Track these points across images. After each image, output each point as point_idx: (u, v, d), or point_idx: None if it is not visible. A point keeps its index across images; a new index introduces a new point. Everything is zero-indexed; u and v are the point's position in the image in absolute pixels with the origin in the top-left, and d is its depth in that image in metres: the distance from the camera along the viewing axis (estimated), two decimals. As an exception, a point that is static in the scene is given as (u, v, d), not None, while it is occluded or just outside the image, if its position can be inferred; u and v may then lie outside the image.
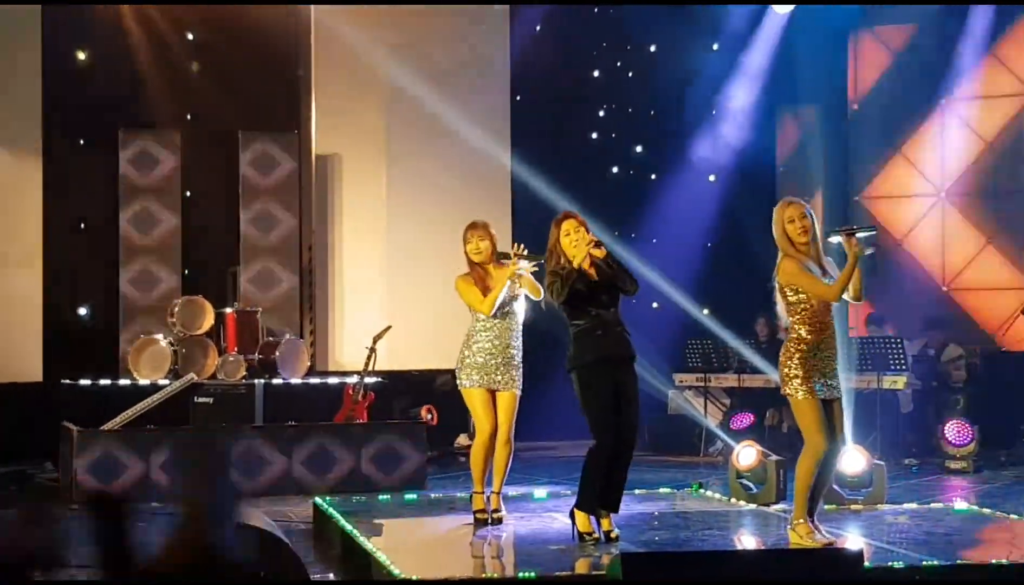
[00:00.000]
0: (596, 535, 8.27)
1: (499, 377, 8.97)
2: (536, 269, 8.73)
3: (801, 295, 8.07)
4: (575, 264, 8.27)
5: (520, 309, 9.12)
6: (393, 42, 14.31)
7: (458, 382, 9.13)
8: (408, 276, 14.08)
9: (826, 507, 9.61)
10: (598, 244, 8.32)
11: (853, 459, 9.98)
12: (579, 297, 8.31)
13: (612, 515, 8.39)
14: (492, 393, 9.01)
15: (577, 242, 8.28)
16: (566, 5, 15.56)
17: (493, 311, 8.93)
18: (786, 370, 8.05)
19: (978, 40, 15.40)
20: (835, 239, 8.27)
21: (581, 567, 7.85)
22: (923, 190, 15.81)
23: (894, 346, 13.18)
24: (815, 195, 16.34)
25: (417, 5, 14.43)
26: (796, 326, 8.09)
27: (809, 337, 8.04)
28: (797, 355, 8.03)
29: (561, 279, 8.26)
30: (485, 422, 8.99)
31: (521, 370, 9.10)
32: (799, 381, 7.98)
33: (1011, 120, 15.33)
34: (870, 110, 16.20)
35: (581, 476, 8.38)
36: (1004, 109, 15.38)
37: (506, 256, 8.79)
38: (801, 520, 8.09)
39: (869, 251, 8.28)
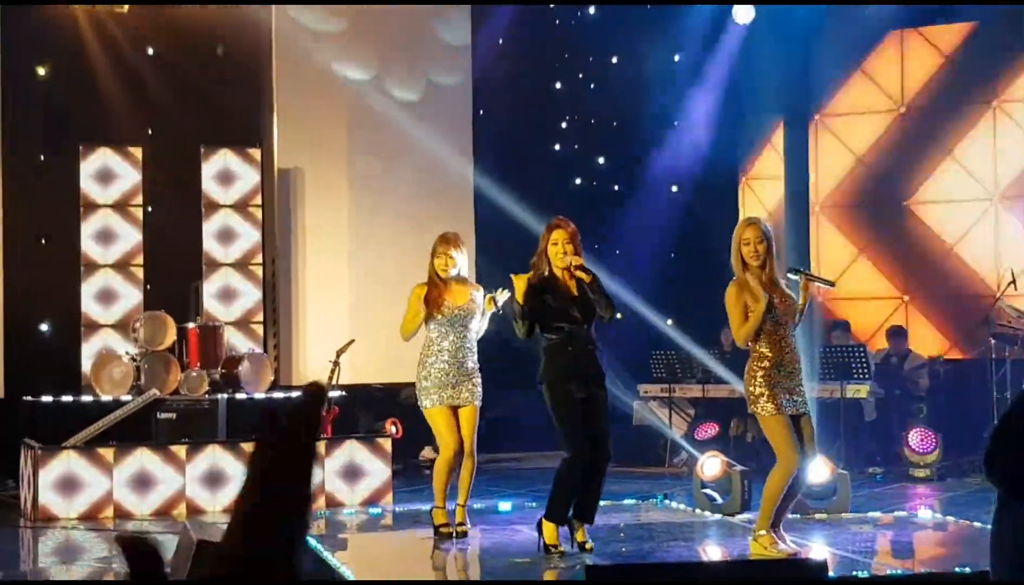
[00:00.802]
0: (562, 548, 8.27)
1: (458, 393, 8.99)
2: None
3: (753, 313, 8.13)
4: (556, 270, 8.33)
5: (475, 324, 9.14)
6: (355, 55, 14.30)
7: (419, 403, 9.14)
8: (371, 289, 14.05)
9: (791, 516, 9.65)
10: (582, 268, 8.33)
11: (817, 469, 9.99)
12: (552, 312, 8.33)
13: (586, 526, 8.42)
14: (454, 409, 9.03)
15: (562, 257, 8.33)
16: (530, 6, 15.56)
17: (440, 326, 9.01)
18: (751, 389, 8.09)
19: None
20: (794, 277, 8.40)
21: (547, 578, 7.86)
22: (886, 199, 15.90)
23: (857, 354, 13.23)
24: (777, 204, 16.41)
25: (380, 16, 14.40)
26: (755, 344, 8.14)
27: (770, 353, 8.09)
28: (760, 373, 8.08)
29: (523, 311, 8.29)
30: (449, 440, 9.02)
31: (479, 380, 9.12)
32: (765, 398, 8.03)
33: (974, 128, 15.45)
34: (832, 118, 16.27)
35: (552, 487, 8.39)
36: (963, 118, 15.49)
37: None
38: (764, 531, 8.12)
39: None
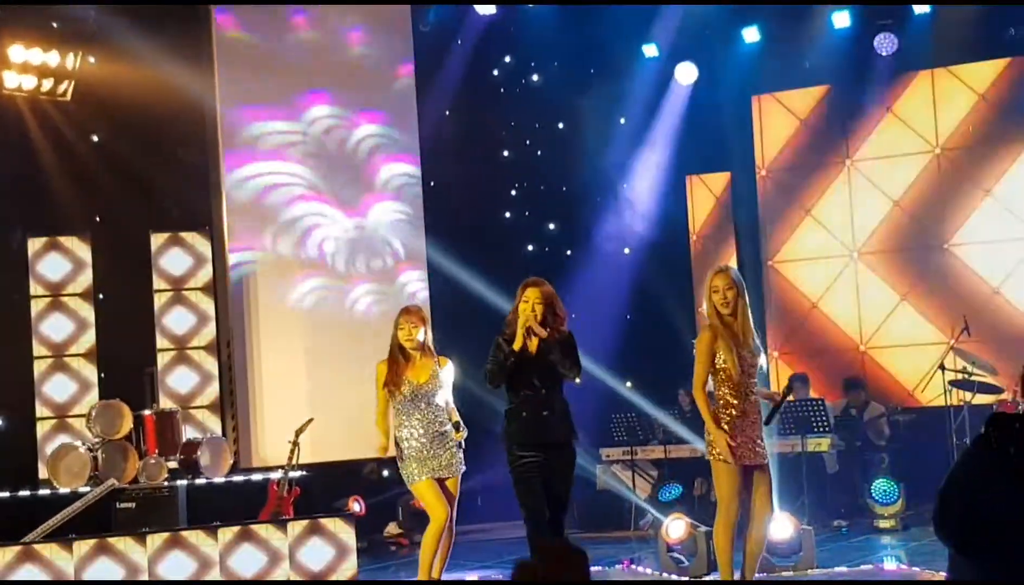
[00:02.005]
0: None
1: (440, 463, 8.93)
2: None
3: (723, 362, 8.13)
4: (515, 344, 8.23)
5: (441, 397, 9.09)
6: (301, 135, 14.31)
7: (405, 479, 9.06)
8: (328, 366, 13.99)
9: (757, 576, 9.61)
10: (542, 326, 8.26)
11: (780, 525, 9.99)
12: (511, 375, 8.27)
13: None
14: (440, 480, 8.97)
15: (528, 316, 8.26)
16: (475, 76, 15.67)
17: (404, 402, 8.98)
18: (712, 436, 8.08)
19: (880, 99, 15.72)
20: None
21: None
22: (835, 251, 16.00)
23: (816, 408, 13.26)
24: (730, 261, 16.49)
25: (319, 89, 14.43)
26: (721, 391, 8.15)
27: (735, 402, 8.11)
28: (725, 419, 8.08)
29: (499, 363, 8.25)
30: (440, 511, 8.90)
31: (458, 448, 9.06)
32: (723, 445, 8.03)
33: (917, 177, 15.57)
34: (778, 174, 16.40)
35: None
36: (908, 167, 15.62)
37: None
38: None
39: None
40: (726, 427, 8.08)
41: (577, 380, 8.40)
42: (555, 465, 8.27)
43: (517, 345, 8.19)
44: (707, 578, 10.06)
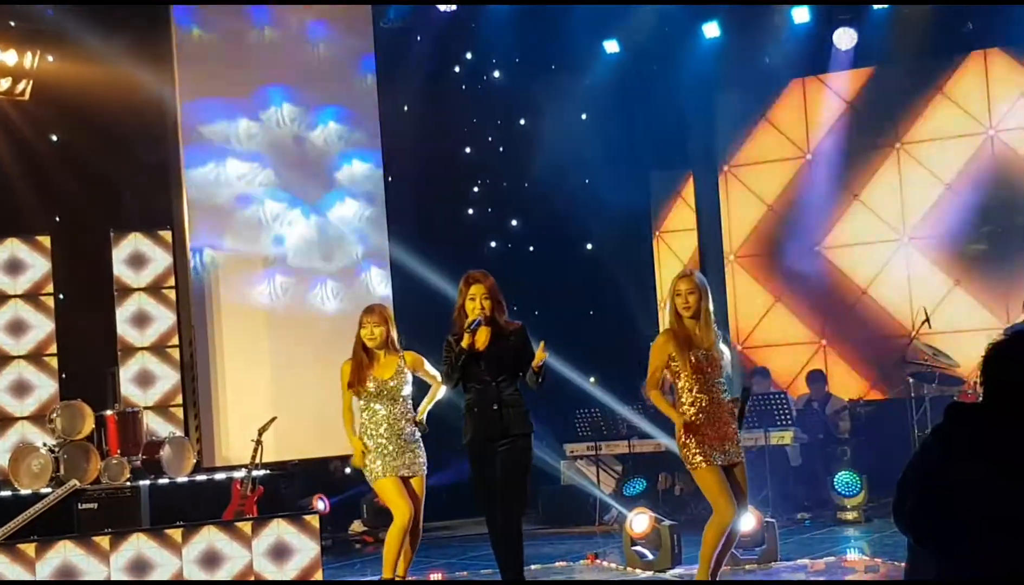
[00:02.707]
0: None
1: (403, 462, 8.91)
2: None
3: (676, 366, 8.16)
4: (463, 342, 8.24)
5: (407, 392, 9.08)
6: (262, 133, 14.26)
7: (368, 476, 9.04)
8: (292, 364, 13.95)
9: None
10: (480, 324, 8.26)
11: (744, 519, 10.00)
12: (465, 371, 8.29)
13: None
14: (403, 479, 8.95)
15: (472, 311, 8.26)
16: (435, 73, 15.66)
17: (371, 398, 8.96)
18: (682, 441, 8.10)
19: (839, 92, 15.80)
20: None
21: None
22: (797, 246, 16.06)
23: (779, 401, 13.31)
24: (692, 256, 16.56)
25: (280, 86, 14.39)
26: (682, 395, 8.16)
27: (694, 405, 8.10)
28: (682, 424, 8.09)
29: (451, 363, 8.27)
30: (403, 508, 8.86)
31: (421, 447, 9.05)
32: (693, 451, 8.04)
33: (879, 171, 15.66)
34: (740, 169, 16.45)
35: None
36: (871, 161, 15.70)
37: None
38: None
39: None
40: (694, 428, 8.11)
41: (532, 384, 8.31)
42: (508, 458, 8.20)
43: (465, 343, 8.18)
44: (672, 572, 10.09)
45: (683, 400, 8.13)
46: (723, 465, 8.12)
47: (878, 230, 15.65)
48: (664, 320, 8.43)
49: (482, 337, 8.26)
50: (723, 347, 8.29)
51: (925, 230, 15.43)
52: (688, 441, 8.06)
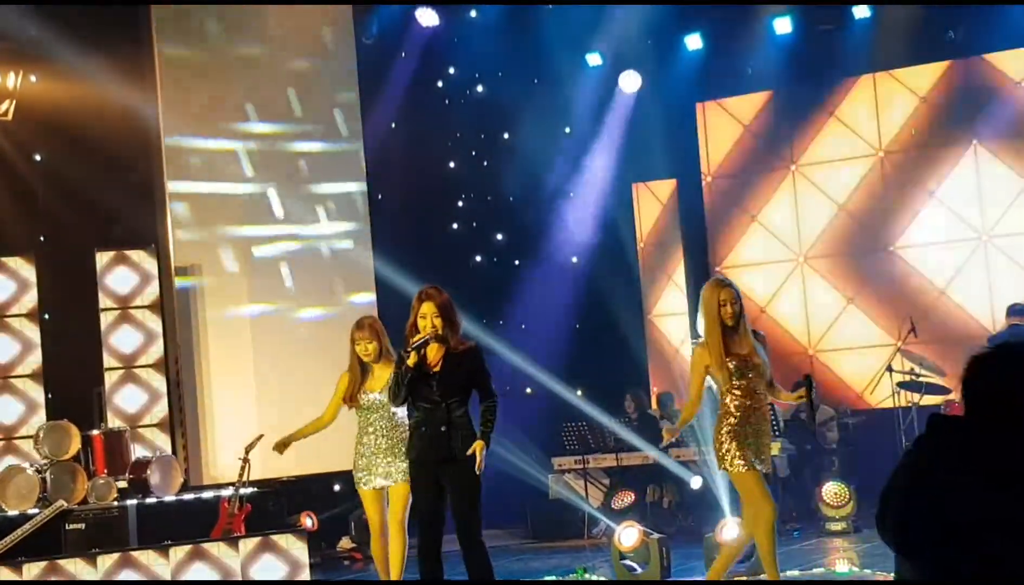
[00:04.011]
0: None
1: (389, 471, 8.97)
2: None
3: (714, 376, 8.27)
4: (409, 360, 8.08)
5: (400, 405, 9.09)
6: (246, 151, 14.26)
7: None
8: (278, 381, 13.94)
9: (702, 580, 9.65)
10: (427, 342, 8.08)
11: (732, 530, 10.01)
12: (413, 390, 8.10)
13: None
14: (384, 490, 9.04)
15: (424, 329, 8.11)
16: (420, 88, 15.68)
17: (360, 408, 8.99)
18: (718, 446, 8.25)
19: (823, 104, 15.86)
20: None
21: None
22: (781, 256, 16.09)
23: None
24: (677, 268, 16.57)
25: (263, 104, 14.39)
26: (724, 401, 8.28)
27: (736, 411, 8.25)
28: (726, 429, 8.26)
29: (397, 381, 8.10)
30: (375, 521, 9.12)
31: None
32: (732, 454, 8.20)
33: (861, 181, 15.69)
34: (723, 180, 16.49)
35: None
36: (852, 171, 15.74)
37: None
38: None
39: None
40: (726, 436, 8.22)
41: (485, 400, 8.06)
42: (454, 481, 7.94)
43: (411, 361, 7.96)
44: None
45: (727, 404, 8.25)
46: (763, 472, 8.30)
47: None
48: (699, 329, 8.49)
49: (432, 355, 8.08)
50: (762, 353, 8.38)
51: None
52: (729, 446, 8.17)
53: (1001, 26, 14.58)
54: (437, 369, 8.01)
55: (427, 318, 8.04)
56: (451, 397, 7.97)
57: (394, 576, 9.12)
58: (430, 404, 8.00)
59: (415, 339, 7.98)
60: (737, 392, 8.27)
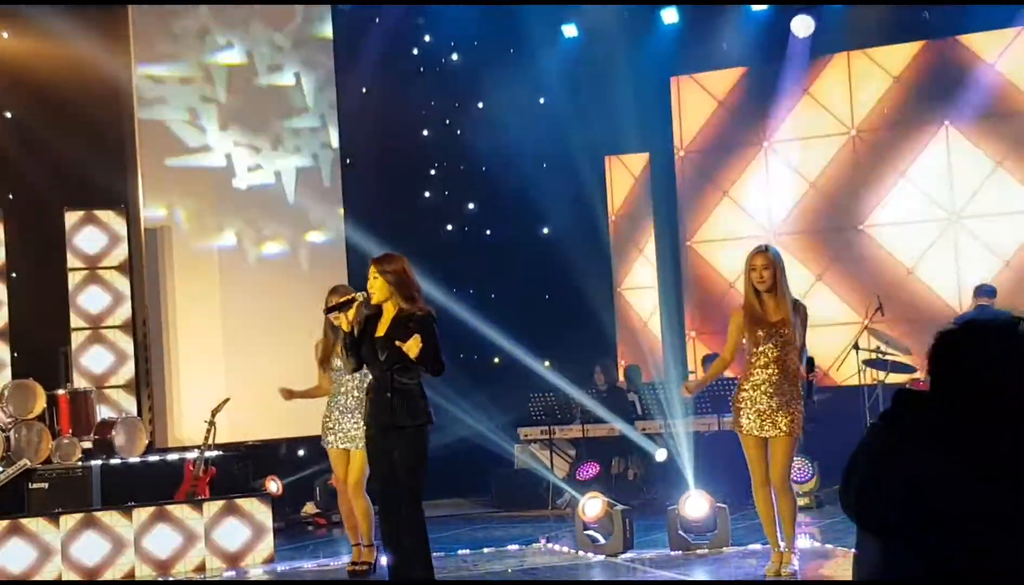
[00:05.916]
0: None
1: (354, 435, 9.16)
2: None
3: (744, 340, 8.60)
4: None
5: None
6: (218, 110, 14.21)
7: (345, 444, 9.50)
8: (246, 346, 13.91)
9: (671, 553, 9.72)
10: (349, 305, 8.06)
11: (696, 503, 10.08)
12: (360, 354, 8.06)
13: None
14: (347, 451, 9.28)
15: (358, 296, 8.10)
16: (393, 55, 15.63)
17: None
18: (735, 407, 8.66)
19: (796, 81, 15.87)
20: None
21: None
22: (752, 231, 16.12)
23: (732, 387, 13.33)
24: (648, 241, 16.60)
25: (236, 67, 14.33)
26: (749, 363, 8.67)
27: (754, 374, 8.60)
28: (740, 392, 8.66)
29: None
30: (341, 478, 9.56)
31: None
32: (737, 416, 8.63)
33: (832, 159, 15.73)
34: (696, 155, 16.50)
35: None
36: (824, 149, 15.78)
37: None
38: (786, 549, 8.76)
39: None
40: (735, 398, 8.64)
41: (431, 369, 7.90)
42: (396, 448, 7.90)
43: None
44: (623, 556, 10.12)
45: (746, 369, 8.59)
46: (763, 436, 8.51)
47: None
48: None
49: (384, 320, 7.97)
50: (797, 324, 8.47)
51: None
52: (738, 405, 8.58)
53: (975, 8, 14.62)
54: (384, 335, 7.93)
55: (369, 281, 8.05)
56: (394, 363, 7.85)
57: (363, 535, 9.39)
58: (378, 370, 7.96)
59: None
60: (755, 358, 8.43)
